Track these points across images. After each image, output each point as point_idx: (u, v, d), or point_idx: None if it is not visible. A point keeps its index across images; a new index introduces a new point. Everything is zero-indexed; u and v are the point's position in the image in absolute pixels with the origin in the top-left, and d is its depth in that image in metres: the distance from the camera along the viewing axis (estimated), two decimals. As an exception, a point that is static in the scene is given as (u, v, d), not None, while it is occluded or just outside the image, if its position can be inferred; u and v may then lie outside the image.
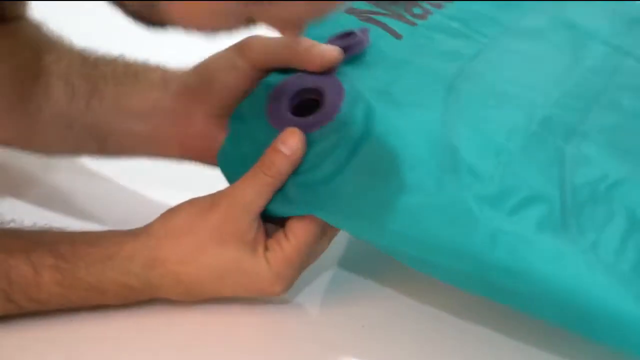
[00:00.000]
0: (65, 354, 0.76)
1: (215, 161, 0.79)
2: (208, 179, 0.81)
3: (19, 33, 0.88)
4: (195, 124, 0.81)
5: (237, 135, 0.78)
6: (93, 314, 0.77)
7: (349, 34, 0.80)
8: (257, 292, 0.76)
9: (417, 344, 0.77)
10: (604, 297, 0.68)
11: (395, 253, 0.73)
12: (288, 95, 0.77)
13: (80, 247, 0.75)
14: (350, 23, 0.82)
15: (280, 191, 0.74)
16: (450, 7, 0.87)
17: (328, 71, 0.78)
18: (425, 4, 0.86)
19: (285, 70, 0.79)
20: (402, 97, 0.76)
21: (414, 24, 0.83)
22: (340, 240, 0.85)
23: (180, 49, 0.84)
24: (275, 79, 0.79)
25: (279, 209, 0.74)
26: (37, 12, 0.89)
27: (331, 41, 0.79)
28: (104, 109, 0.84)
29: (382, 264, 0.82)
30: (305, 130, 0.74)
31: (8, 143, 0.89)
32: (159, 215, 0.77)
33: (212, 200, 0.75)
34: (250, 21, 0.66)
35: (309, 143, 0.74)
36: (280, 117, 0.76)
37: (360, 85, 0.76)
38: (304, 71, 0.78)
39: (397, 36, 0.82)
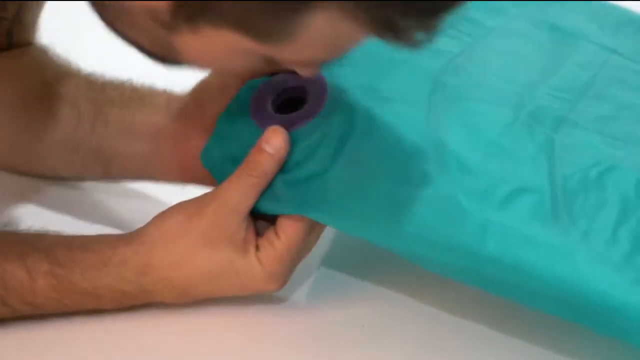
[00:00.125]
0: (63, 354, 0.76)
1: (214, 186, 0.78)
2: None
3: (26, 57, 0.89)
4: (194, 145, 0.81)
5: (222, 134, 0.77)
6: (90, 316, 0.77)
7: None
8: (251, 290, 0.76)
9: (417, 344, 0.77)
10: (596, 285, 0.68)
11: (387, 247, 0.74)
12: (272, 93, 0.77)
13: (76, 253, 0.75)
14: None
15: (268, 189, 0.74)
16: None
17: None
18: None
19: None
20: (388, 93, 0.76)
21: None
22: (341, 240, 0.85)
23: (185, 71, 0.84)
24: (260, 78, 0.79)
25: (268, 207, 0.74)
26: (45, 37, 0.90)
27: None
28: (108, 132, 0.85)
29: (382, 264, 0.82)
30: (289, 127, 0.74)
31: (13, 167, 0.90)
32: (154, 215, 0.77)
33: (198, 205, 0.75)
34: (267, 61, 0.66)
35: (293, 140, 0.74)
36: (264, 116, 0.76)
37: (346, 82, 0.76)
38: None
39: None
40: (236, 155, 0.75)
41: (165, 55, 0.69)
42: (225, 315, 0.78)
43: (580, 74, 0.82)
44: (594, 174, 0.73)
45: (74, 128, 0.86)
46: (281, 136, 0.73)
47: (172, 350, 0.76)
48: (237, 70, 0.70)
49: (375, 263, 0.82)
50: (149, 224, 0.76)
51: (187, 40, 0.64)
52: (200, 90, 0.83)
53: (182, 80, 0.81)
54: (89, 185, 0.91)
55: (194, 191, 0.78)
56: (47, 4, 0.87)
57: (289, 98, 0.77)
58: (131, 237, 0.76)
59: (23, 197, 0.89)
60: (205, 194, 0.75)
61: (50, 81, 0.87)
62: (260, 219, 0.76)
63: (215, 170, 0.77)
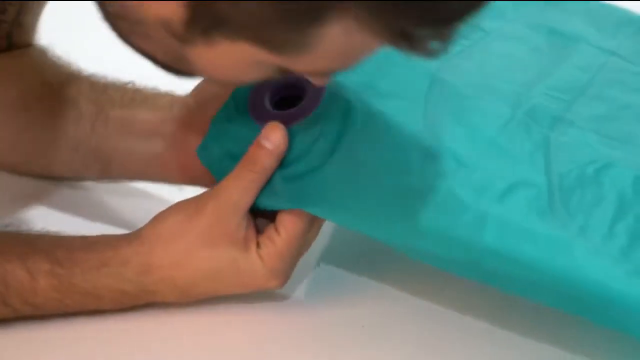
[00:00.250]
0: (64, 355, 0.76)
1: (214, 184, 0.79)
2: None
3: (26, 58, 0.89)
4: (193, 145, 0.80)
5: (219, 131, 0.77)
6: (90, 316, 0.77)
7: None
8: (253, 288, 0.77)
9: (417, 344, 0.77)
10: (594, 276, 0.69)
11: (385, 241, 0.74)
12: (269, 90, 0.77)
13: (76, 253, 0.75)
14: None
15: (267, 185, 0.74)
16: None
17: None
18: None
19: None
20: (385, 89, 0.76)
21: None
22: (341, 240, 0.85)
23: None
24: None
25: (267, 203, 0.74)
26: (45, 37, 0.90)
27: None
28: (109, 132, 0.85)
29: (382, 264, 0.82)
30: (287, 124, 0.74)
31: (13, 166, 0.90)
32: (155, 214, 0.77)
33: (198, 204, 0.75)
34: (280, 70, 0.66)
35: (291, 136, 0.74)
36: (262, 113, 0.76)
37: (344, 79, 0.76)
38: None
39: None
40: (234, 152, 0.75)
41: (178, 67, 0.68)
42: (225, 315, 0.78)
43: (578, 75, 0.82)
44: (590, 171, 0.74)
45: (74, 127, 0.86)
46: (280, 132, 0.74)
47: (172, 350, 0.76)
48: (249, 81, 0.69)
49: (376, 259, 0.83)
50: (149, 224, 0.76)
51: (202, 52, 0.64)
52: (201, 90, 0.83)
53: (185, 82, 0.80)
54: (90, 185, 0.91)
55: (194, 190, 0.78)
56: (47, 5, 0.87)
57: (286, 95, 0.78)
58: (132, 237, 0.76)
59: (24, 198, 0.89)
60: (205, 192, 0.76)
61: (51, 81, 0.87)
62: (260, 216, 0.76)
63: (213, 166, 0.77)
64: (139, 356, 0.76)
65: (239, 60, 0.64)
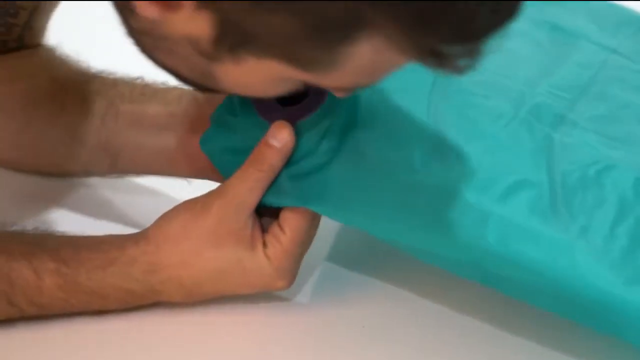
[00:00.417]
0: (67, 355, 0.76)
1: (221, 180, 0.79)
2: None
3: (35, 56, 0.89)
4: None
5: (223, 123, 0.77)
6: (94, 315, 0.77)
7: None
8: (260, 288, 0.77)
9: (417, 344, 0.77)
10: (594, 283, 0.69)
11: (388, 240, 0.74)
12: None
13: (82, 252, 0.75)
14: None
15: (273, 183, 0.74)
16: None
17: None
18: None
19: None
20: (389, 85, 0.76)
21: None
22: (341, 241, 0.85)
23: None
24: None
25: (272, 200, 0.74)
26: (57, 37, 0.91)
27: None
28: (118, 125, 0.86)
29: (383, 264, 0.82)
30: (293, 119, 0.74)
31: (19, 161, 0.90)
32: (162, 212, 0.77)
33: (204, 202, 0.75)
34: (305, 84, 0.67)
35: (298, 134, 0.74)
36: (267, 107, 0.76)
37: None
38: None
39: None
40: (238, 147, 0.75)
41: (203, 83, 0.69)
42: (229, 315, 0.78)
43: (580, 73, 0.83)
44: (592, 172, 0.74)
45: (83, 122, 0.86)
46: (287, 130, 0.74)
47: (176, 350, 0.76)
48: (274, 95, 0.69)
49: (377, 263, 0.83)
50: (155, 224, 0.76)
51: (228, 69, 0.65)
52: None
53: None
54: (96, 183, 0.91)
55: (202, 187, 0.78)
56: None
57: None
58: (138, 237, 0.76)
59: (30, 197, 0.90)
60: (211, 192, 0.76)
61: (60, 78, 0.88)
62: (264, 215, 0.76)
63: (215, 158, 0.77)
64: (143, 356, 0.76)
65: (266, 77, 0.65)
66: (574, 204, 0.72)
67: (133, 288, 0.75)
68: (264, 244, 0.75)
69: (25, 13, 0.85)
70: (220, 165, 0.77)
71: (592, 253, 0.69)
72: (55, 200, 0.89)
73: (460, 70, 0.59)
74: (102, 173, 0.89)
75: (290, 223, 0.74)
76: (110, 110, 0.86)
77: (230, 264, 0.75)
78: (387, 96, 0.75)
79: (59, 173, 0.90)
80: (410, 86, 0.76)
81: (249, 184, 0.74)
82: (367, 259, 0.83)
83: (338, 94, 0.70)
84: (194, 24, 0.62)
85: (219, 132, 0.77)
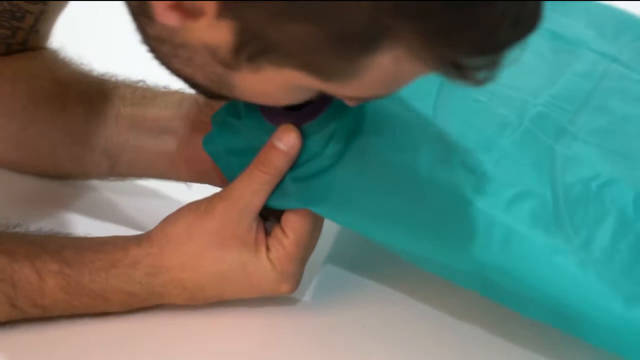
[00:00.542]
0: (68, 356, 0.76)
1: (222, 183, 0.79)
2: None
3: (38, 57, 0.90)
4: (201, 143, 0.80)
5: (227, 125, 0.77)
6: (97, 317, 0.77)
7: None
8: (263, 292, 0.76)
9: (417, 344, 0.77)
10: (594, 299, 0.69)
11: (390, 246, 0.74)
12: None
13: (85, 254, 0.75)
14: None
15: (277, 185, 0.74)
16: None
17: None
18: None
19: None
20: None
21: None
22: (341, 241, 0.85)
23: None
24: None
25: (276, 202, 0.74)
26: (59, 40, 0.91)
27: None
28: (119, 127, 0.86)
29: (383, 265, 0.82)
30: (299, 123, 0.74)
31: (19, 162, 0.90)
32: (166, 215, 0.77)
33: (208, 204, 0.75)
34: (321, 93, 0.67)
35: (303, 137, 0.74)
36: (271, 111, 0.75)
37: None
38: None
39: None
40: (243, 148, 0.75)
41: (218, 91, 0.69)
42: (228, 316, 0.78)
43: (581, 83, 0.83)
44: (593, 187, 0.74)
45: (83, 123, 0.86)
46: (294, 134, 0.73)
47: (179, 352, 0.76)
48: (289, 104, 0.69)
49: (377, 263, 0.83)
50: (159, 226, 0.76)
51: (246, 78, 0.65)
52: None
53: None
54: (99, 185, 0.91)
55: (204, 191, 0.78)
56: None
57: None
58: (141, 239, 0.76)
59: (33, 199, 0.90)
60: (216, 194, 0.75)
61: (62, 80, 0.88)
62: (269, 219, 0.76)
63: (219, 159, 0.77)
64: (146, 358, 0.76)
65: (283, 85, 0.65)
66: (576, 217, 0.72)
67: (135, 290, 0.75)
68: (268, 248, 0.75)
69: (32, 17, 0.85)
70: (224, 166, 0.77)
71: (593, 268, 0.70)
72: (59, 202, 0.90)
73: (479, 82, 0.60)
74: (102, 175, 0.89)
75: (292, 226, 0.74)
76: (111, 112, 0.86)
77: (233, 267, 0.75)
78: (394, 101, 0.75)
79: (59, 175, 0.90)
80: (416, 92, 0.76)
81: (253, 187, 0.73)
82: (368, 261, 0.83)
83: (350, 103, 0.70)
84: (214, 32, 0.61)
85: (222, 133, 0.77)
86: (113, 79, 0.88)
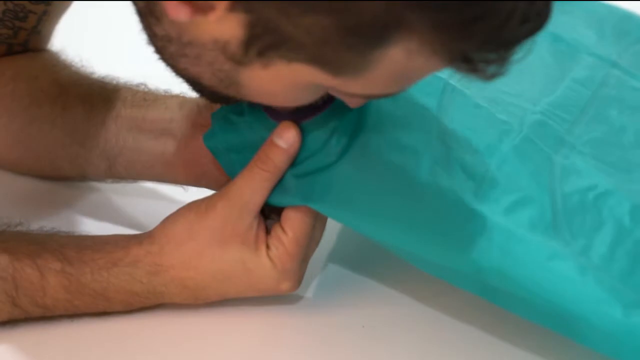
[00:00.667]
0: (67, 355, 0.76)
1: (219, 187, 0.79)
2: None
3: (39, 58, 0.90)
4: (200, 146, 0.80)
5: (228, 121, 0.77)
6: (98, 316, 0.77)
7: None
8: (266, 292, 0.76)
9: (417, 344, 0.77)
10: (593, 304, 0.69)
11: (389, 246, 0.74)
12: None
13: (86, 253, 0.75)
14: None
15: (278, 182, 0.74)
16: None
17: None
18: None
19: None
20: None
21: None
22: (343, 240, 0.86)
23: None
24: None
25: (277, 200, 0.74)
26: (60, 42, 0.92)
27: None
28: (118, 128, 0.86)
29: (385, 264, 0.83)
30: (300, 119, 0.73)
31: (18, 161, 0.90)
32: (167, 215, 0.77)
33: (209, 203, 0.75)
34: (327, 95, 0.67)
35: (305, 133, 0.74)
36: (274, 109, 0.75)
37: None
38: None
39: None
40: (244, 145, 0.75)
41: (224, 92, 0.68)
42: (224, 317, 0.78)
43: (579, 91, 0.83)
44: (590, 197, 0.74)
45: (83, 124, 0.86)
46: (294, 131, 0.73)
47: (180, 351, 0.77)
48: (296, 105, 0.69)
49: (377, 263, 0.83)
50: (160, 225, 0.76)
51: (255, 74, 0.64)
52: None
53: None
54: (100, 186, 0.91)
55: (204, 192, 0.78)
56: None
57: None
58: (142, 238, 0.76)
59: (35, 198, 0.90)
60: (216, 193, 0.75)
61: (63, 81, 0.88)
62: (270, 217, 0.76)
63: (220, 155, 0.77)
64: (147, 358, 0.76)
65: (293, 82, 0.65)
66: (574, 225, 0.72)
67: (136, 289, 0.75)
68: (268, 247, 0.75)
69: (34, 17, 0.85)
70: (225, 163, 0.77)
71: (592, 273, 0.70)
72: (61, 202, 0.90)
73: (489, 77, 0.60)
74: (100, 177, 0.89)
75: (292, 224, 0.74)
76: (111, 113, 0.86)
77: (234, 266, 0.75)
78: (396, 102, 0.75)
79: (57, 176, 0.90)
80: (418, 95, 0.76)
81: (253, 185, 0.73)
82: (370, 260, 0.84)
83: (354, 104, 0.70)
84: (224, 26, 0.61)
85: (224, 130, 0.77)
86: (114, 81, 0.88)
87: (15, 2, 0.82)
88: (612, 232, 0.72)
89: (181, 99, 0.86)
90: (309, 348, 0.77)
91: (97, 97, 0.87)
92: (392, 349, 0.77)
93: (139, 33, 0.68)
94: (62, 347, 0.76)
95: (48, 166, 0.89)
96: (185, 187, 0.86)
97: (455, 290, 0.73)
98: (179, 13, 0.60)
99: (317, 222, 0.76)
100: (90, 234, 0.79)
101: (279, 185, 0.74)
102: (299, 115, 0.74)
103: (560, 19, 0.84)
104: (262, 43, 0.61)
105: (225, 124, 0.77)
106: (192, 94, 0.75)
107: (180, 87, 0.76)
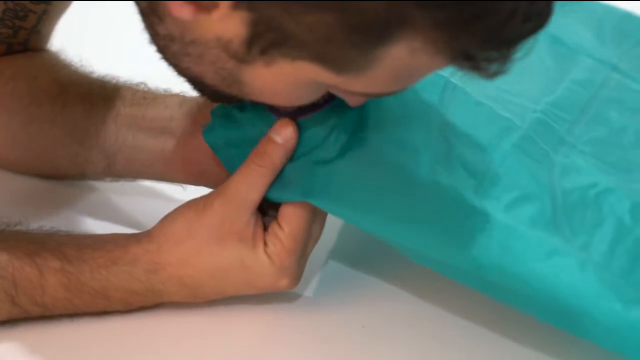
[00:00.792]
0: (67, 355, 0.76)
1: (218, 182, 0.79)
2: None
3: (39, 58, 0.90)
4: (198, 141, 0.81)
5: (228, 116, 0.77)
6: (98, 316, 0.77)
7: None
8: (263, 288, 0.76)
9: (417, 344, 0.77)
10: (594, 298, 0.69)
11: (388, 240, 0.74)
12: None
13: (85, 251, 0.75)
14: None
15: (276, 177, 0.74)
16: None
17: None
18: None
19: None
20: None
21: None
22: (344, 237, 0.86)
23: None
24: None
25: (275, 195, 0.74)
26: (60, 42, 0.92)
27: None
28: (118, 126, 0.86)
29: (385, 261, 0.83)
30: (301, 115, 0.73)
31: (17, 161, 0.90)
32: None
33: (205, 202, 0.75)
34: (329, 94, 0.67)
35: (304, 128, 0.74)
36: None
37: None
38: None
39: None
40: (244, 140, 0.75)
41: (227, 91, 0.68)
42: (224, 316, 0.78)
43: (579, 92, 0.83)
44: (591, 194, 0.75)
45: (83, 122, 0.86)
46: (291, 127, 0.73)
47: (180, 350, 0.77)
48: (298, 104, 0.69)
49: (377, 263, 0.83)
50: (159, 223, 0.77)
51: (258, 72, 0.64)
52: None
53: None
54: (100, 185, 0.91)
55: (203, 191, 0.78)
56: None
57: None
58: (141, 236, 0.76)
59: (34, 198, 0.90)
60: (214, 190, 0.75)
61: (63, 80, 0.88)
62: (268, 214, 0.76)
63: (219, 150, 0.77)
64: (148, 357, 0.76)
65: (295, 80, 0.65)
66: (574, 222, 0.73)
67: (135, 288, 0.76)
68: (265, 243, 0.75)
69: (34, 17, 0.85)
70: (224, 158, 0.77)
71: (593, 268, 0.70)
72: (60, 201, 0.90)
73: (491, 75, 0.61)
74: (99, 175, 0.89)
75: (288, 220, 0.74)
76: (111, 112, 0.86)
77: (232, 263, 0.75)
78: (397, 100, 0.75)
79: (56, 175, 0.90)
80: (420, 91, 0.77)
81: (250, 181, 0.73)
82: (370, 258, 0.84)
83: (354, 102, 0.70)
84: (227, 24, 0.62)
85: (224, 125, 0.77)
86: (114, 80, 0.88)
87: (16, 1, 0.83)
88: (612, 230, 0.73)
89: (181, 98, 0.86)
90: (309, 346, 0.77)
91: (96, 96, 0.87)
92: (392, 349, 0.77)
93: (139, 32, 0.68)
94: (62, 346, 0.76)
95: (47, 165, 0.89)
96: (184, 185, 0.87)
97: (456, 288, 0.73)
98: (182, 11, 0.61)
99: (316, 219, 0.76)
100: (89, 233, 0.79)
101: (278, 180, 0.74)
102: (299, 113, 0.74)
103: (560, 21, 0.85)
104: (264, 41, 0.62)
105: (226, 119, 0.77)
106: (193, 93, 0.75)
107: (180, 87, 0.77)
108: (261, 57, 0.63)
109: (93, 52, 0.91)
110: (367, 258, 0.84)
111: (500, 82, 0.78)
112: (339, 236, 0.86)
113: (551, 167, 0.76)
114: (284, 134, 0.73)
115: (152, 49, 0.69)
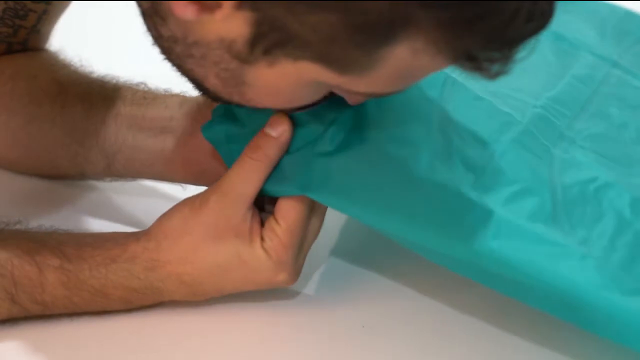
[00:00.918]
0: (67, 354, 0.76)
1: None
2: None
3: (39, 57, 0.90)
4: (198, 141, 0.81)
5: (228, 113, 0.77)
6: (98, 315, 0.77)
7: None
8: (262, 284, 0.76)
9: (417, 344, 0.77)
10: (594, 289, 0.69)
11: (387, 233, 0.74)
12: None
13: (85, 249, 0.76)
14: None
15: (273, 171, 0.74)
16: None
17: None
18: None
19: None
20: None
21: None
22: (344, 234, 0.86)
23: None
24: None
25: (272, 189, 0.74)
26: (60, 42, 0.92)
27: None
28: (118, 126, 0.86)
29: (386, 258, 0.83)
30: (299, 109, 0.72)
31: (16, 160, 0.90)
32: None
33: (202, 198, 0.75)
34: (331, 94, 0.67)
35: (302, 123, 0.74)
36: None
37: None
38: None
39: None
40: (243, 135, 0.75)
41: (228, 97, 0.68)
42: (224, 315, 0.78)
43: (580, 88, 0.84)
44: (591, 189, 0.75)
45: (83, 122, 0.86)
46: (285, 121, 0.73)
47: (180, 349, 0.77)
48: (299, 105, 0.69)
49: (377, 263, 0.83)
50: (157, 221, 0.77)
51: (261, 73, 0.64)
52: None
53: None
54: (99, 185, 0.91)
55: (197, 189, 0.78)
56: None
57: None
58: (140, 235, 0.77)
59: (34, 197, 0.90)
60: (209, 188, 0.76)
61: (62, 80, 0.88)
62: (265, 210, 0.76)
63: (219, 146, 0.77)
64: (148, 356, 0.76)
65: (298, 81, 0.65)
66: (574, 216, 0.73)
67: (134, 286, 0.76)
68: (262, 238, 0.75)
69: (34, 16, 0.86)
70: (224, 154, 0.77)
71: (592, 261, 0.70)
72: (60, 201, 0.90)
73: (493, 76, 0.61)
74: (98, 175, 0.89)
75: (284, 214, 0.74)
76: (111, 112, 0.86)
77: (229, 259, 0.75)
78: (397, 95, 0.74)
79: (55, 175, 0.91)
80: (420, 86, 0.77)
81: (244, 175, 0.73)
82: (371, 254, 0.84)
83: (355, 101, 0.70)
84: (230, 25, 0.62)
85: (224, 121, 0.77)
86: (113, 80, 0.88)
87: (16, 0, 0.83)
88: (612, 224, 0.73)
89: (181, 98, 0.86)
90: (310, 345, 0.77)
91: (96, 95, 0.87)
92: (392, 349, 0.77)
93: (139, 32, 0.68)
94: (62, 346, 0.76)
95: (47, 165, 0.89)
96: (183, 185, 0.87)
97: (457, 285, 0.74)
98: (185, 11, 0.61)
99: (315, 214, 0.76)
100: (89, 232, 0.79)
101: (274, 174, 0.74)
102: (297, 108, 0.73)
103: (562, 18, 0.85)
104: (268, 41, 0.62)
105: (226, 115, 0.77)
106: (193, 93, 0.75)
107: (180, 87, 0.77)
108: (264, 57, 0.63)
109: (93, 52, 0.91)
110: (368, 255, 0.84)
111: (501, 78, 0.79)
112: (340, 233, 0.86)
113: (551, 162, 0.76)
114: (278, 127, 0.73)
115: (152, 49, 0.69)
